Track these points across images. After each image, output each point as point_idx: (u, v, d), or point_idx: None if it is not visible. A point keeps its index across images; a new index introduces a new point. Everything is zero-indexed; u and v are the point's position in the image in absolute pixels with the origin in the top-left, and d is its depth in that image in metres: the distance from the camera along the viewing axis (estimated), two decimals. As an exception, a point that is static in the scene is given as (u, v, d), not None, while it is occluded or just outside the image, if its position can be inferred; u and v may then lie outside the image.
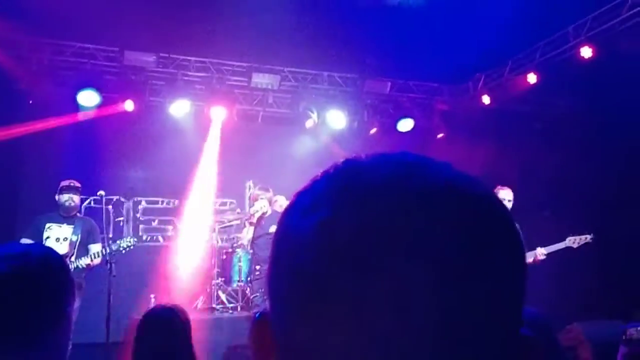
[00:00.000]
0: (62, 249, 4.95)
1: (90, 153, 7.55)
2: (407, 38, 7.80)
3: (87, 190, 7.59)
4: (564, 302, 6.79)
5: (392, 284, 0.43)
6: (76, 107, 7.26)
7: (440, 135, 9.26)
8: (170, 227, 8.17)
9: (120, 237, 5.88)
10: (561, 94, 7.97)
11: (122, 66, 7.53)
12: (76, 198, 5.21)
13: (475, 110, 8.99)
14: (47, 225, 5.06)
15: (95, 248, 5.05)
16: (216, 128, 8.22)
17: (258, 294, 6.51)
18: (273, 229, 5.36)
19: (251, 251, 7.04)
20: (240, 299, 6.62)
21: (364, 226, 0.44)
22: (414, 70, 8.98)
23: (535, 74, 7.73)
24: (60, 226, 5.09)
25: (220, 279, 6.89)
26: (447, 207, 0.46)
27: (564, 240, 5.50)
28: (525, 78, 7.89)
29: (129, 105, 7.45)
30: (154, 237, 8.06)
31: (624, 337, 2.58)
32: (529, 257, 5.56)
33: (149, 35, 7.42)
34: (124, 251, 5.04)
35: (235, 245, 7.02)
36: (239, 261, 6.76)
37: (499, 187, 5.67)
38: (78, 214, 5.33)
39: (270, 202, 7.79)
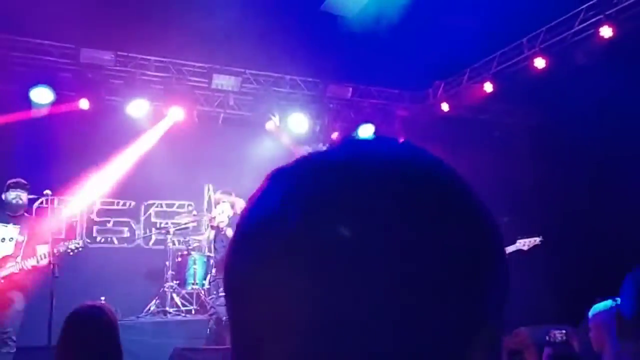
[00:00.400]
0: (7, 249, 4.80)
1: (43, 152, 7.35)
2: (370, 44, 7.89)
3: (39, 189, 7.42)
4: (510, 305, 6.94)
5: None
6: (29, 105, 7.06)
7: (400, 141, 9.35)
8: (125, 229, 8.01)
9: (71, 239, 5.74)
10: (517, 103, 8.17)
11: (78, 64, 7.37)
12: (24, 196, 5.06)
13: (434, 117, 9.14)
14: None
15: (43, 249, 4.91)
16: (175, 129, 8.11)
17: (214, 296, 6.44)
18: (230, 232, 5.28)
19: (208, 254, 6.99)
20: (195, 302, 6.55)
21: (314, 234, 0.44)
22: (376, 77, 9.09)
23: (491, 83, 7.90)
24: (6, 226, 4.93)
25: (174, 281, 6.80)
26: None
27: (515, 243, 5.63)
28: (482, 87, 8.06)
29: (84, 104, 7.29)
30: (109, 239, 7.89)
31: (547, 339, 2.66)
32: None
33: (107, 33, 7.30)
34: (71, 253, 4.91)
35: (190, 248, 6.93)
36: (194, 264, 6.68)
37: None
38: (26, 214, 5.16)
39: (232, 206, 7.74)
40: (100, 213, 7.92)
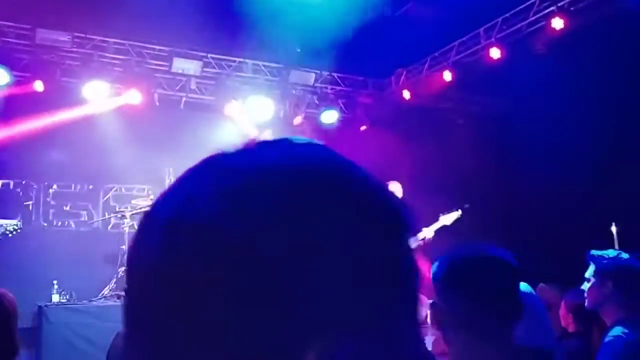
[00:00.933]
0: None
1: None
2: (335, 31, 7.91)
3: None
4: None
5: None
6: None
7: (363, 128, 9.44)
8: (83, 212, 7.96)
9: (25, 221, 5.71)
10: (476, 92, 8.30)
11: (34, 45, 7.25)
12: None
13: (396, 105, 9.24)
14: None
15: None
16: (136, 112, 8.05)
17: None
18: None
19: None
20: (150, 285, 6.55)
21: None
22: (340, 63, 9.13)
23: (450, 71, 8.02)
24: None
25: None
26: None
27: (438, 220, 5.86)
28: (442, 75, 8.17)
29: (38, 86, 7.19)
30: (65, 223, 7.84)
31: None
32: (418, 240, 5.81)
33: (63, 13, 7.20)
34: (9, 234, 4.88)
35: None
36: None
37: (391, 181, 6.00)
38: None
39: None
40: (57, 196, 7.85)
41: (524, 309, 2.57)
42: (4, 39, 7.13)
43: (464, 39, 7.83)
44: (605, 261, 2.23)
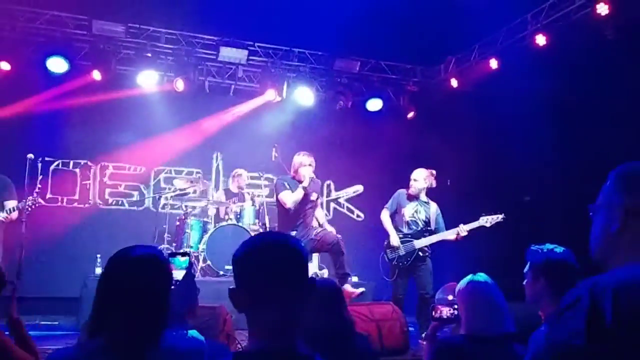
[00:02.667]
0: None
1: (59, 118, 7.88)
2: (382, 19, 7.91)
3: (57, 153, 7.99)
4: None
5: None
6: (47, 74, 7.54)
7: (409, 116, 9.36)
8: (135, 193, 8.50)
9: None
10: (521, 80, 7.99)
11: (92, 35, 7.77)
12: None
13: (444, 93, 9.08)
14: None
15: (11, 204, 5.34)
16: (186, 99, 8.44)
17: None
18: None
19: (205, 219, 7.38)
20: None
21: None
22: (387, 51, 9.08)
23: (496, 59, 7.79)
24: None
25: (173, 244, 7.21)
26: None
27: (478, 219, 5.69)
28: (489, 63, 7.95)
29: (96, 75, 7.72)
30: (119, 202, 8.40)
31: (433, 314, 2.76)
32: (452, 234, 5.73)
33: (118, 5, 7.66)
34: (29, 209, 5.34)
35: (187, 212, 7.31)
36: (190, 228, 7.06)
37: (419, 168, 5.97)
38: None
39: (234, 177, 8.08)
40: (112, 177, 8.42)
41: (483, 298, 2.58)
42: (64, 29, 7.68)
43: (511, 25, 7.56)
44: (538, 256, 2.20)
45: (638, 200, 1.22)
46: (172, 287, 2.02)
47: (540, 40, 6.89)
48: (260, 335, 1.30)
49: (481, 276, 2.51)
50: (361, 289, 5.62)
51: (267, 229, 5.90)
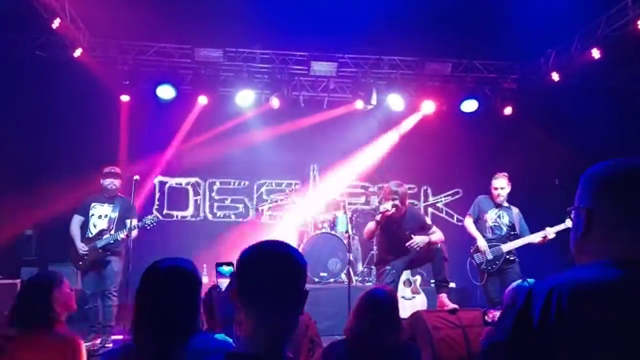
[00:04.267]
0: (102, 224, 5.94)
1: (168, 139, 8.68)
2: (471, 17, 7.77)
3: (169, 172, 8.76)
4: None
5: None
6: (155, 100, 8.31)
7: (507, 112, 9.00)
8: (240, 206, 9.04)
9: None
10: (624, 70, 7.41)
11: (194, 62, 8.43)
12: (117, 182, 6.07)
13: (545, 88, 8.64)
14: (93, 204, 6.02)
15: (133, 223, 5.91)
16: (282, 114, 8.84)
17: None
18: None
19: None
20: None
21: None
22: (480, 50, 8.84)
23: (598, 49, 7.29)
24: (103, 205, 6.03)
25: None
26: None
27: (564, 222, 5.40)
28: (590, 53, 7.46)
29: (202, 100, 8.43)
30: (227, 214, 8.99)
31: (485, 318, 2.75)
32: (538, 237, 5.53)
33: (216, 32, 8.24)
34: (148, 227, 5.85)
35: (285, 222, 7.67)
36: (287, 238, 7.39)
37: (496, 174, 5.88)
38: (118, 195, 6.16)
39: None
40: (219, 192, 9.05)
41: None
42: (171, 59, 8.42)
43: (611, 11, 7.05)
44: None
45: (600, 204, 1.22)
46: (217, 294, 2.23)
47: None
48: (253, 338, 1.41)
49: (529, 281, 2.46)
50: (454, 306, 5.43)
51: (351, 237, 5.98)
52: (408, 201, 5.54)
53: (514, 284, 2.49)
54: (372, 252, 7.65)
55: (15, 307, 2.58)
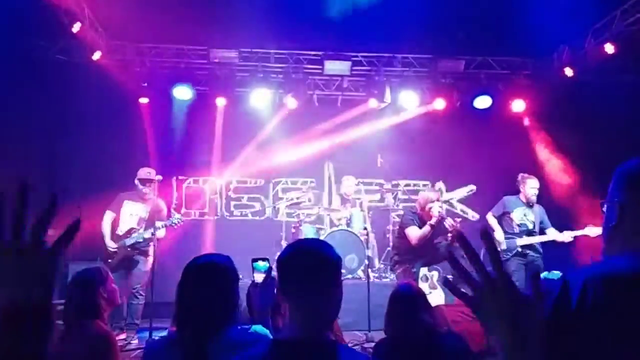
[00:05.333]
0: (132, 222, 6.09)
1: (188, 140, 8.80)
2: (484, 13, 7.81)
3: (187, 171, 8.89)
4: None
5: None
6: (170, 101, 8.44)
7: (521, 110, 9.04)
8: (257, 204, 9.16)
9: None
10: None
11: (210, 62, 8.55)
12: (152, 188, 6.20)
13: (558, 83, 8.67)
14: (125, 202, 6.18)
15: (160, 223, 6.05)
16: (296, 113, 8.94)
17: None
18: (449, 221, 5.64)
19: (318, 226, 7.77)
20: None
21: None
22: (493, 47, 8.87)
23: (612, 44, 7.31)
24: (135, 204, 6.19)
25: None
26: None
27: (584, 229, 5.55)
28: (604, 48, 7.49)
29: (220, 102, 8.53)
30: (243, 213, 9.11)
31: None
32: (560, 237, 5.66)
33: (231, 33, 8.35)
34: (174, 226, 5.98)
35: (301, 220, 7.76)
36: (304, 235, 7.49)
37: (525, 175, 6.07)
38: (151, 196, 6.31)
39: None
40: (236, 190, 9.18)
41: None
42: (188, 60, 8.55)
43: (625, 6, 7.07)
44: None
45: (631, 198, 1.31)
46: (254, 287, 2.34)
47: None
48: (294, 325, 1.58)
49: (554, 274, 2.55)
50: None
51: (368, 234, 6.07)
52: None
53: (541, 275, 2.57)
54: (388, 248, 7.74)
55: (65, 302, 2.70)
